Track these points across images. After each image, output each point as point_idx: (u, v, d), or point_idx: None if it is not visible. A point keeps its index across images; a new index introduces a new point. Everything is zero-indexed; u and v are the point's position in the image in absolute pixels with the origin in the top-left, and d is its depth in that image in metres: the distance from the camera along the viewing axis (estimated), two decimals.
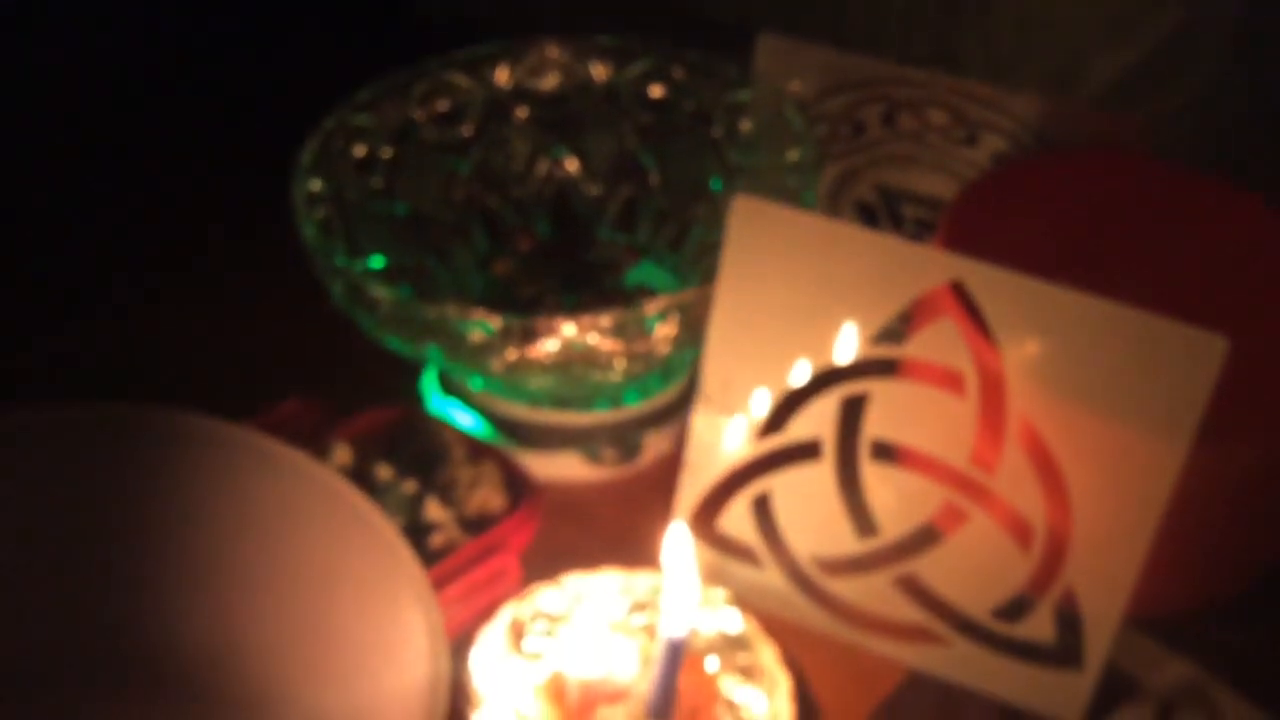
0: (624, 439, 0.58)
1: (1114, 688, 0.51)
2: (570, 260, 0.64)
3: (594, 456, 0.58)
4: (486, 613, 0.49)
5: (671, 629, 0.45)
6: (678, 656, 0.45)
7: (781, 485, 0.51)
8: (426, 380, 0.60)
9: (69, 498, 0.38)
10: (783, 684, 0.48)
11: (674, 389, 0.59)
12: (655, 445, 0.59)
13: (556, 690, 0.47)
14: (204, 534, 0.38)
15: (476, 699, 0.46)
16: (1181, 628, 0.53)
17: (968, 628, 0.50)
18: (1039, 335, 0.45)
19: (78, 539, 0.38)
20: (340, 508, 0.37)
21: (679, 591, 0.45)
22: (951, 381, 0.47)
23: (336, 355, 0.61)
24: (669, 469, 0.59)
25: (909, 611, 0.51)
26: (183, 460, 0.37)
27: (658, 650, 0.46)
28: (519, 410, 0.57)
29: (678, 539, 0.46)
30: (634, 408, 0.58)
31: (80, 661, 0.41)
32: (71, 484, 0.37)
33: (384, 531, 0.36)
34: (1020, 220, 0.55)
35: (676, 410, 0.59)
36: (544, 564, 0.52)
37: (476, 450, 0.54)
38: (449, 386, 0.59)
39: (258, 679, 0.40)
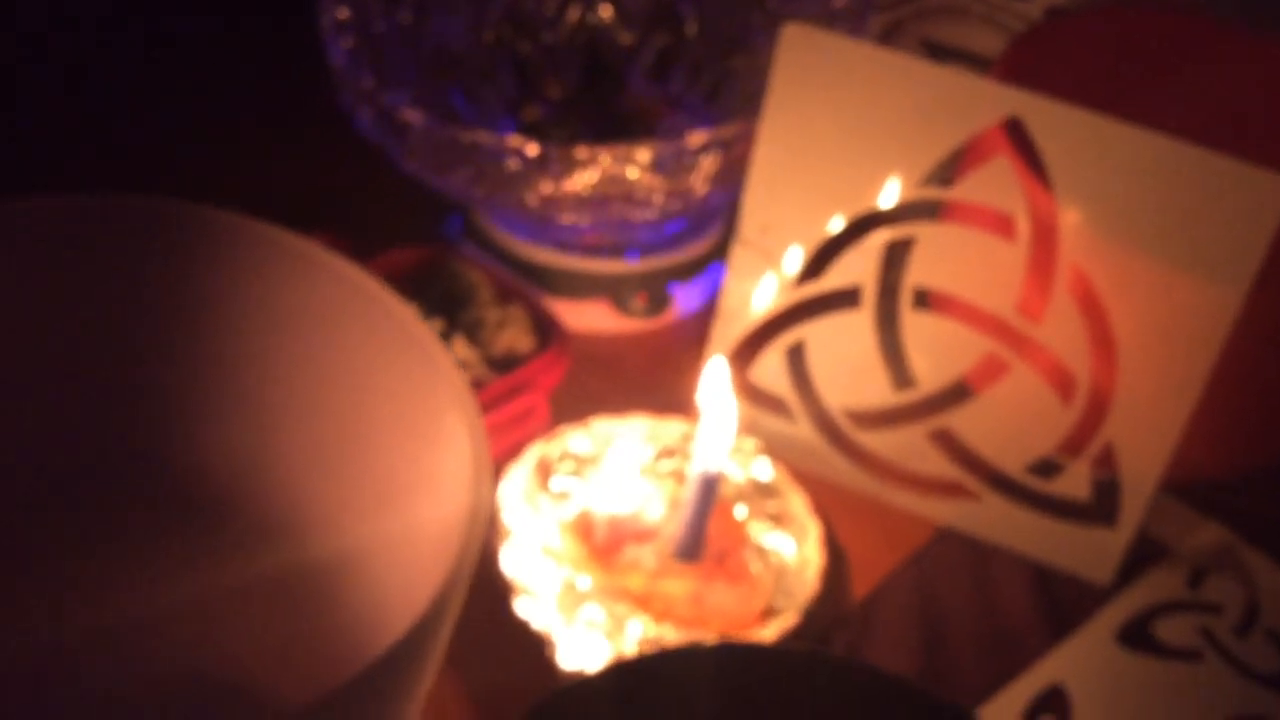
0: (653, 290, 0.57)
1: (1144, 552, 0.50)
2: (600, 111, 0.62)
3: (623, 306, 0.57)
4: (513, 452, 0.48)
5: (706, 463, 0.44)
6: (712, 492, 0.44)
7: (817, 334, 0.50)
8: (453, 222, 0.59)
9: (91, 292, 0.36)
10: (813, 531, 0.47)
11: (706, 240, 0.58)
12: (685, 299, 0.58)
13: (583, 528, 0.47)
14: (232, 339, 0.37)
15: (504, 532, 0.45)
16: (1214, 496, 0.53)
17: (1001, 484, 0.50)
18: (1097, 176, 0.44)
19: (99, 339, 0.37)
20: (377, 313, 0.35)
21: (715, 426, 0.44)
22: (1001, 225, 0.46)
23: (364, 194, 0.60)
24: (698, 324, 0.58)
25: (942, 466, 0.50)
26: (209, 258, 0.35)
27: (690, 487, 0.45)
28: (547, 255, 0.55)
29: (716, 372, 0.45)
30: (664, 258, 0.57)
31: (101, 478, 0.40)
32: (92, 278, 0.36)
33: (422, 338, 0.35)
34: (1074, 73, 0.53)
35: (708, 263, 0.58)
36: (571, 411, 0.51)
37: (504, 291, 0.53)
38: (475, 230, 0.58)
39: (288, 501, 0.40)
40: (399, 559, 0.37)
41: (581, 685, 0.36)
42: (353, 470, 0.38)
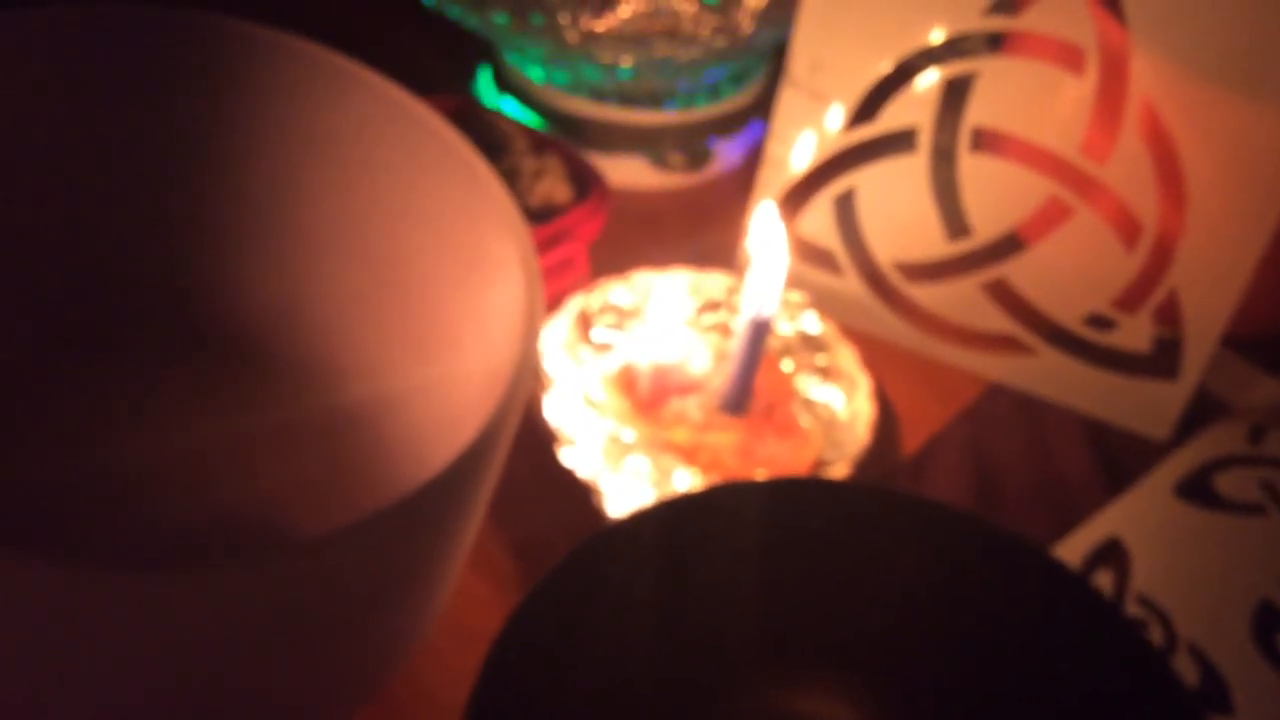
0: (692, 144, 0.55)
1: (1201, 409, 0.49)
2: None
3: (660, 162, 0.55)
4: (553, 303, 0.47)
5: (756, 310, 0.42)
6: (761, 340, 0.43)
7: (868, 182, 0.48)
8: (483, 74, 0.56)
9: (115, 112, 0.34)
10: (863, 384, 0.46)
11: (748, 93, 0.55)
12: (724, 155, 0.56)
13: (626, 381, 0.45)
14: (265, 165, 0.35)
15: (546, 381, 0.44)
16: (1275, 351, 0.51)
17: (1057, 337, 0.48)
18: (1173, 3, 0.41)
19: (124, 163, 0.35)
20: (420, 134, 0.33)
21: (765, 272, 0.42)
22: (1069, 58, 0.43)
23: (393, 46, 0.57)
24: (738, 181, 0.56)
25: (995, 320, 0.48)
26: (241, 75, 0.33)
27: (738, 336, 0.43)
28: (582, 106, 0.53)
29: (766, 217, 0.43)
30: (703, 110, 0.54)
31: (128, 317, 0.38)
32: (115, 95, 0.33)
33: (469, 160, 0.33)
34: None
35: (747, 118, 0.56)
36: (610, 265, 0.49)
37: (539, 142, 0.50)
38: (507, 81, 0.55)
39: (327, 342, 0.38)
40: (444, 399, 0.36)
41: (630, 521, 0.34)
42: (395, 305, 0.36)
